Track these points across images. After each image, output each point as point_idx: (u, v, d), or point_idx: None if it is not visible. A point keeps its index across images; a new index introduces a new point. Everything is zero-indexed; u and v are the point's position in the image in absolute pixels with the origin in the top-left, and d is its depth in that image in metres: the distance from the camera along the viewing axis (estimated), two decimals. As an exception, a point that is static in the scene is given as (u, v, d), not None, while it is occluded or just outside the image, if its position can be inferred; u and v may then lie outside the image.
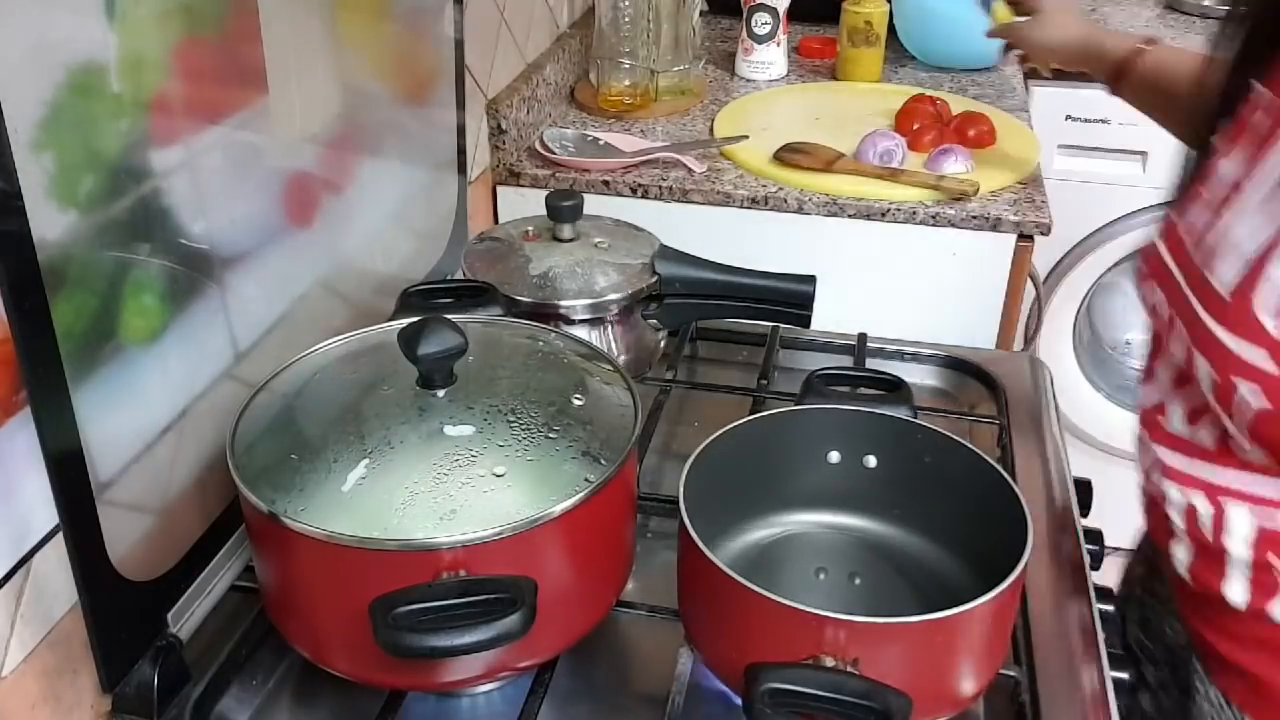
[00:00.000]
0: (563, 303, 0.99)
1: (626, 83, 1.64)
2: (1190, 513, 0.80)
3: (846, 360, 1.14)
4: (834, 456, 0.85)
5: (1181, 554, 0.82)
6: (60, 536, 0.68)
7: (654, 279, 1.02)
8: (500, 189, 1.50)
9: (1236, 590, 0.79)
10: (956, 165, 1.43)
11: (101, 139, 0.69)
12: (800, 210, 1.42)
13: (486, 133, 1.45)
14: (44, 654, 0.71)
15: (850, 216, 1.41)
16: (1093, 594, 0.87)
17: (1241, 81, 0.78)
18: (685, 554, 0.73)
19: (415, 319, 0.75)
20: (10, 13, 0.60)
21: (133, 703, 0.75)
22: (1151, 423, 0.83)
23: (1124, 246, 2.12)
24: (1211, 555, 0.79)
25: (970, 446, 0.81)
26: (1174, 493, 0.81)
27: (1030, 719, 0.75)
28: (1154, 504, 0.84)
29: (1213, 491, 0.78)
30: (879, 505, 0.86)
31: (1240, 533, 0.77)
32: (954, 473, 0.80)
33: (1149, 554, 0.96)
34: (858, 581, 0.84)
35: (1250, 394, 0.70)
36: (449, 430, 0.72)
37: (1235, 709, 0.83)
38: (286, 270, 0.92)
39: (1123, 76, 1.15)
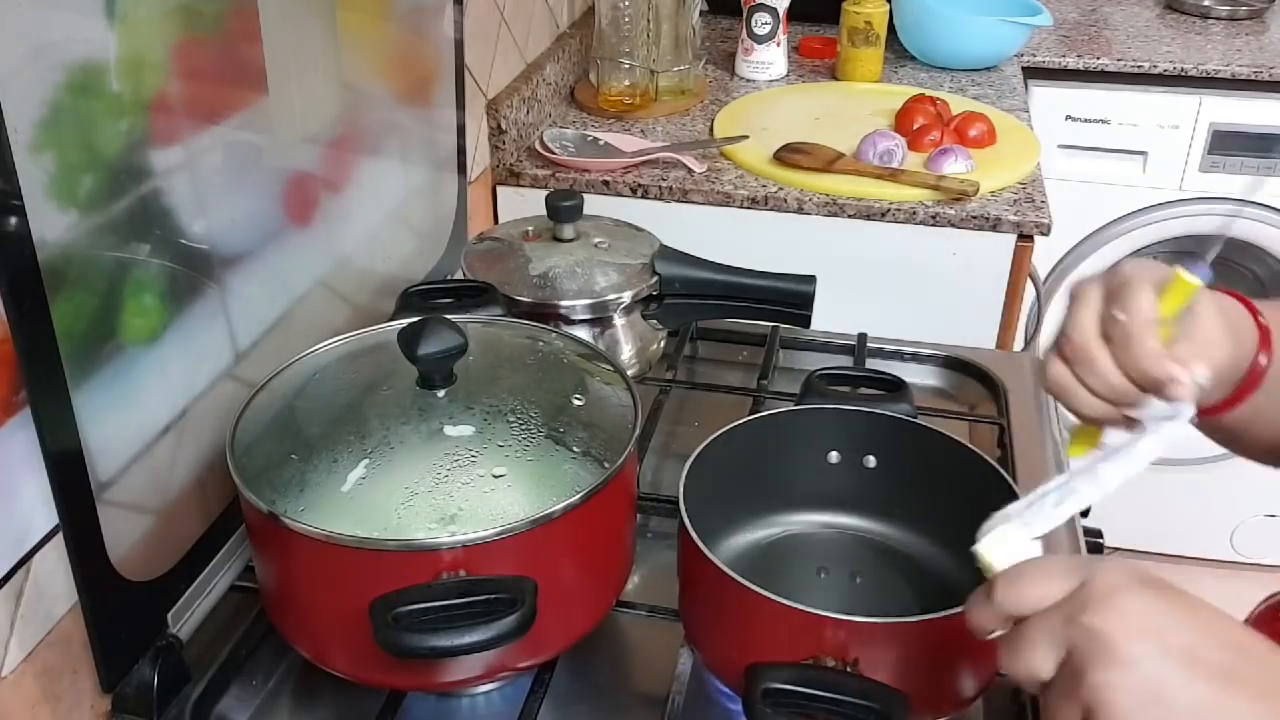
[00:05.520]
0: (563, 303, 0.99)
1: (626, 83, 1.64)
2: None
3: (846, 360, 1.14)
4: (834, 456, 0.85)
5: None
6: (60, 536, 0.68)
7: (654, 279, 1.02)
8: (500, 189, 1.50)
9: None
10: (956, 165, 1.44)
11: (101, 139, 0.69)
12: (800, 210, 1.42)
13: (486, 133, 1.44)
14: (44, 654, 0.71)
15: (850, 216, 1.41)
16: (1093, 594, 0.87)
17: None
18: (685, 554, 0.73)
19: (415, 319, 0.75)
20: (10, 13, 0.60)
21: (133, 703, 0.75)
22: None
23: (1124, 246, 2.12)
24: None
25: (970, 446, 0.81)
26: None
27: (1030, 719, 0.75)
28: None
29: None
30: (879, 505, 0.86)
31: None
32: (954, 473, 0.80)
33: None
34: (858, 581, 0.84)
35: None
36: (449, 430, 0.72)
37: None
38: (286, 270, 0.92)
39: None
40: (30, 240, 0.62)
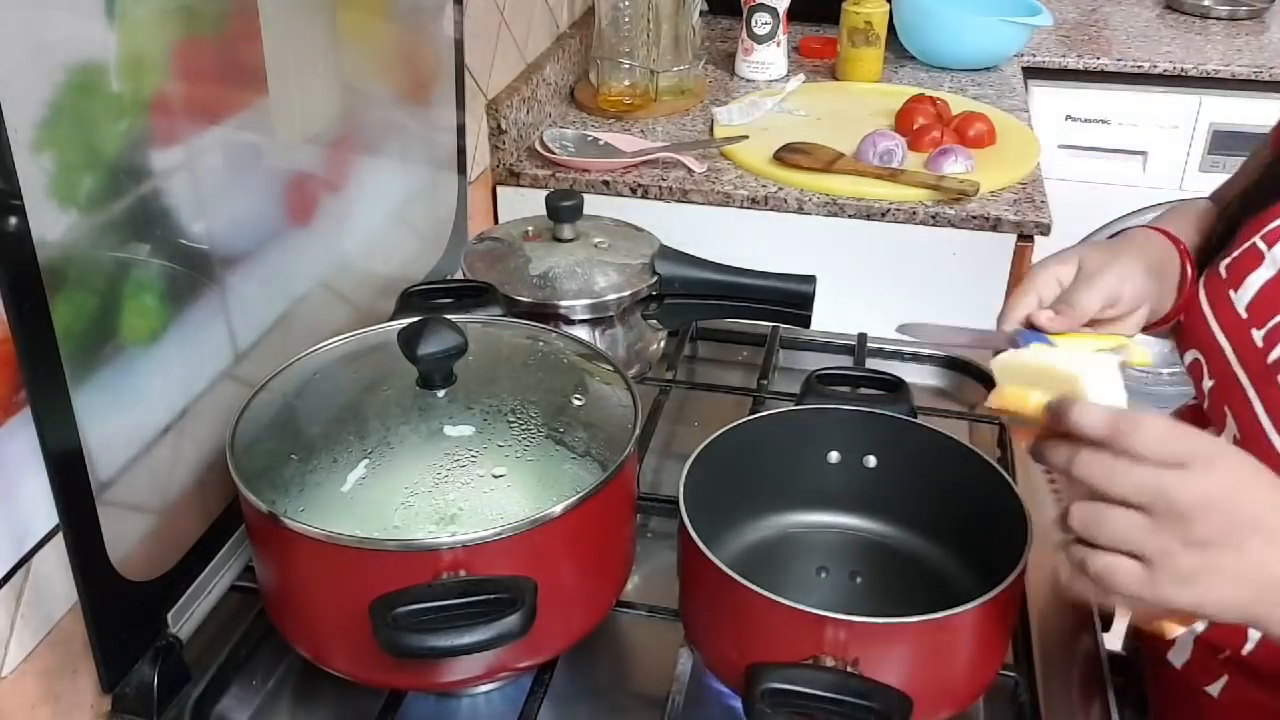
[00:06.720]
0: (563, 303, 0.99)
1: (626, 83, 1.64)
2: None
3: (846, 360, 1.14)
4: (834, 456, 0.85)
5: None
6: (60, 536, 0.68)
7: (654, 279, 1.02)
8: (500, 189, 1.50)
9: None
10: (956, 165, 1.44)
11: (101, 139, 0.69)
12: (800, 210, 1.42)
13: (486, 133, 1.45)
14: (44, 654, 0.71)
15: (850, 216, 1.41)
16: (1093, 594, 0.87)
17: None
18: (685, 554, 0.73)
19: (415, 319, 0.75)
20: (10, 13, 0.60)
21: (133, 703, 0.75)
22: None
23: (1124, 246, 2.12)
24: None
25: (970, 446, 0.81)
26: None
27: (1030, 719, 0.75)
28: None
29: None
30: (879, 505, 0.86)
31: None
32: (954, 473, 0.80)
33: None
34: (858, 581, 0.84)
35: None
36: (449, 430, 0.72)
37: None
38: (286, 270, 0.92)
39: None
40: (30, 240, 0.62)
